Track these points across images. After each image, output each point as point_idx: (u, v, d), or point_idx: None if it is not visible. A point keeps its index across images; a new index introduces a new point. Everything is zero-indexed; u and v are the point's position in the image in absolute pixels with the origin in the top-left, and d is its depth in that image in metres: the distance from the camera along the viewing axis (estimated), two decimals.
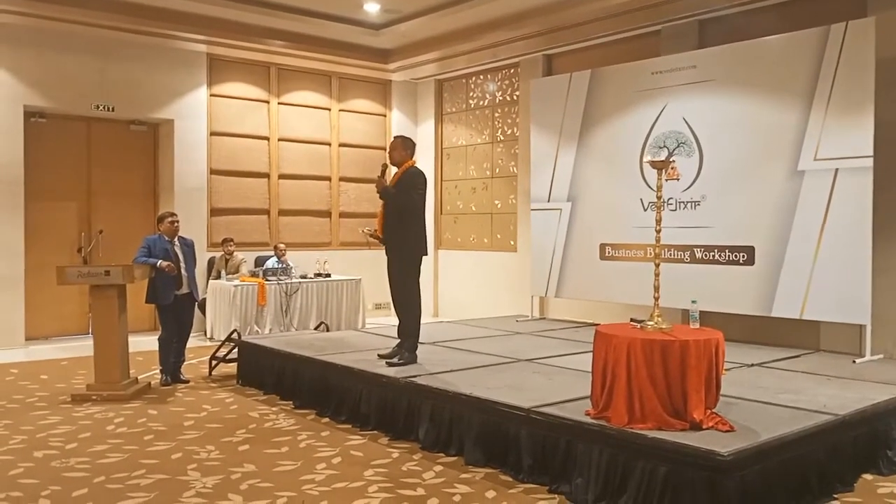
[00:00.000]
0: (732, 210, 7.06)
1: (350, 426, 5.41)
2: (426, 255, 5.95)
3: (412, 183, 5.81)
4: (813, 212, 6.53)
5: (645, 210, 7.67)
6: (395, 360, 5.78)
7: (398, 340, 5.98)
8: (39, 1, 8.10)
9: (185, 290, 6.84)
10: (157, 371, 6.99)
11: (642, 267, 7.47)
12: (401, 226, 5.83)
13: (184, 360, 7.02)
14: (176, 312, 6.81)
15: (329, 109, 11.14)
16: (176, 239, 6.85)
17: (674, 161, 7.31)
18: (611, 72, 8.22)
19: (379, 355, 5.88)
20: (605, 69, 8.32)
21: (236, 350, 7.12)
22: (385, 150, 11.68)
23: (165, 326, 6.85)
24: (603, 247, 8.12)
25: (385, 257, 6.12)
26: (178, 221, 6.90)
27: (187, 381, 6.85)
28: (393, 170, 6.04)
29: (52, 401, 6.14)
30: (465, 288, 10.85)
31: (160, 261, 6.58)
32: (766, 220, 6.82)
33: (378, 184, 5.77)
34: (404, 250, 5.87)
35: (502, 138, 10.69)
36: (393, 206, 5.82)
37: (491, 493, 4.07)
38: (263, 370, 6.64)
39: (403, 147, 5.96)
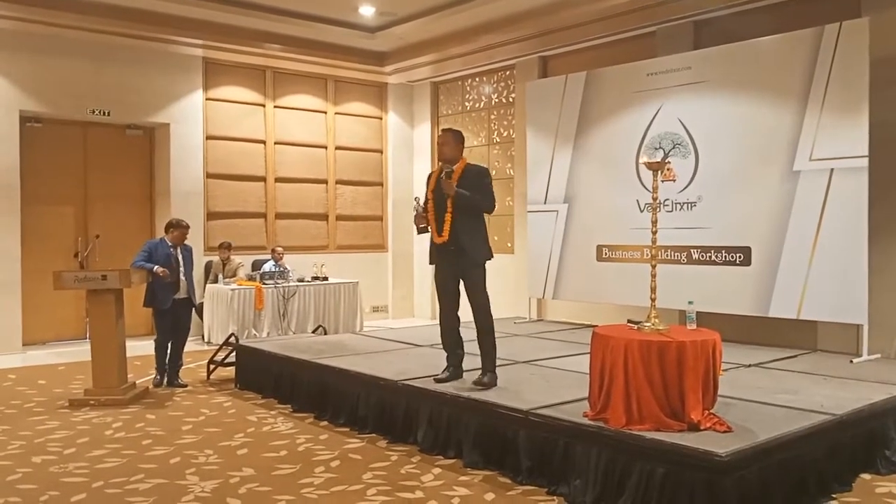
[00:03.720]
0: (729, 211, 7.07)
1: (348, 429, 5.41)
2: (492, 258, 5.38)
3: (484, 182, 5.24)
4: (809, 212, 6.55)
5: (641, 211, 7.68)
6: (481, 382, 5.05)
7: (450, 359, 5.35)
8: (35, 6, 8.09)
9: (182, 294, 6.88)
10: (156, 375, 7.01)
11: (639, 268, 7.47)
12: (472, 231, 5.22)
13: (181, 365, 7.02)
14: (174, 316, 6.84)
15: (325, 112, 11.14)
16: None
17: (669, 162, 7.31)
18: (606, 73, 8.24)
19: (436, 380, 5.20)
20: (600, 71, 8.33)
21: (234, 354, 7.12)
22: (381, 152, 11.73)
23: (161, 330, 6.89)
24: (600, 248, 8.13)
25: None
26: (188, 232, 6.98)
27: (185, 385, 6.85)
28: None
29: (49, 406, 6.13)
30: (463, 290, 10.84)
31: (156, 266, 6.60)
32: (763, 220, 6.84)
33: (447, 186, 5.11)
34: (480, 255, 5.26)
35: (498, 140, 10.71)
36: (473, 210, 5.22)
37: (490, 496, 4.07)
38: (261, 374, 6.63)
39: (455, 142, 5.29)
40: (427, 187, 5.39)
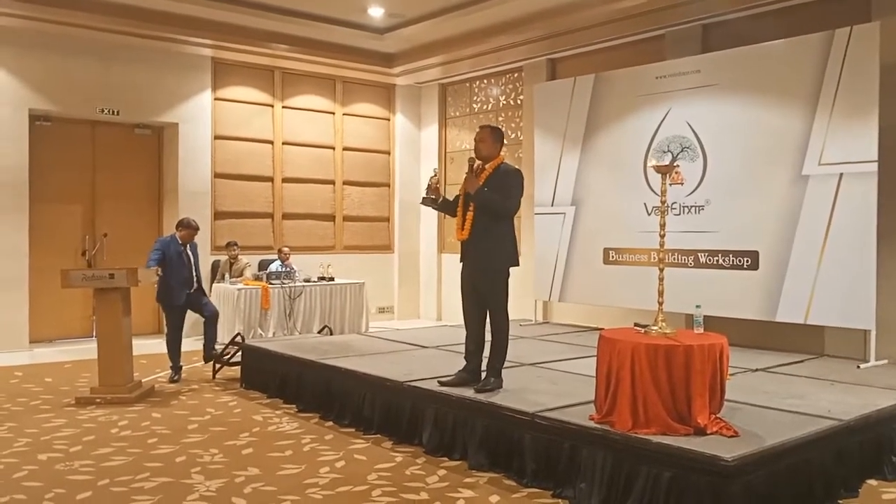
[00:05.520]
0: (736, 215, 7.05)
1: (353, 430, 5.40)
2: (518, 265, 5.19)
3: (510, 184, 5.05)
4: (817, 216, 6.52)
5: (649, 214, 7.67)
6: (485, 387, 4.91)
7: (465, 364, 5.17)
8: (44, 5, 8.12)
9: (194, 287, 7.16)
10: (161, 374, 7.03)
11: (646, 271, 7.47)
12: (494, 232, 5.03)
13: (216, 340, 7.36)
14: (191, 308, 7.18)
15: (333, 113, 11.15)
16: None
17: (678, 165, 7.24)
18: (615, 76, 8.23)
19: (440, 382, 5.10)
20: (608, 73, 8.32)
21: (240, 353, 7.13)
22: (388, 153, 11.73)
23: (172, 326, 7.08)
24: (607, 251, 8.11)
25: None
26: (196, 234, 7.27)
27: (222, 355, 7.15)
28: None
29: (56, 403, 6.15)
30: None
31: (156, 267, 6.78)
32: (771, 224, 6.81)
33: (470, 184, 4.95)
34: (499, 260, 5.07)
35: (506, 142, 10.67)
36: (490, 211, 5.02)
37: (495, 498, 4.06)
38: (267, 374, 6.64)
39: (493, 139, 5.10)
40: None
